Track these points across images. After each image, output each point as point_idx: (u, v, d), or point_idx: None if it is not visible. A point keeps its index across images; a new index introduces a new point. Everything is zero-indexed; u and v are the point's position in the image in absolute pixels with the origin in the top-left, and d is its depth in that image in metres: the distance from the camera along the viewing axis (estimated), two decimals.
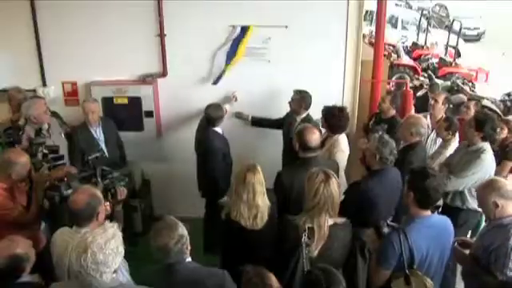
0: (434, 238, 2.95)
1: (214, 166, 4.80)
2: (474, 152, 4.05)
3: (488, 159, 4.00)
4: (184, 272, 2.62)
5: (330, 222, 2.98)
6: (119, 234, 2.35)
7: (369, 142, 3.80)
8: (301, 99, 4.84)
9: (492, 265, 2.96)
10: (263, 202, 3.26)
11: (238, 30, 5.16)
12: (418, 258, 2.88)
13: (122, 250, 2.32)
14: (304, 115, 4.87)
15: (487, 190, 3.06)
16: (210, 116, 4.72)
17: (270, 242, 3.16)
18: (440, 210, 3.97)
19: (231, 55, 5.23)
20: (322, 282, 2.28)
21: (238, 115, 5.49)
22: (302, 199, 3.14)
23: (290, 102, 4.93)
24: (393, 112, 5.18)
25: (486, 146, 4.03)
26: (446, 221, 3.09)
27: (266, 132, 5.49)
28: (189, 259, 2.68)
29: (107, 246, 2.22)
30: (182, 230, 2.62)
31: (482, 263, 3.03)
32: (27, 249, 2.81)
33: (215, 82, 5.34)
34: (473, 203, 4.05)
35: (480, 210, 3.98)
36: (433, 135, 4.83)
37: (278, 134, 5.26)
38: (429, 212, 2.98)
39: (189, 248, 2.65)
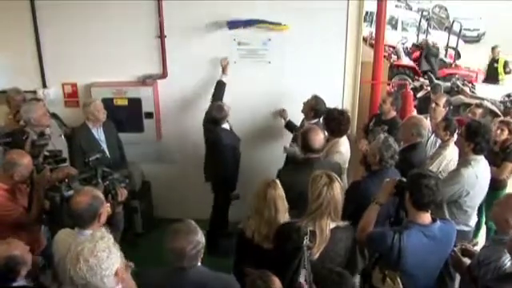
0: (433, 246, 2.90)
1: (226, 161, 4.95)
2: (458, 164, 3.90)
3: (468, 175, 3.74)
4: (194, 276, 2.61)
5: (332, 225, 2.98)
6: (108, 236, 2.33)
7: (369, 143, 3.81)
8: (313, 104, 4.80)
9: (479, 279, 2.90)
10: (285, 219, 3.11)
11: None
12: (409, 262, 2.85)
13: (114, 249, 2.29)
14: (313, 122, 4.79)
15: (503, 205, 2.98)
16: (215, 117, 4.83)
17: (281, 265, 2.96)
18: None
19: (254, 23, 5.10)
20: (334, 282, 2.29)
21: (281, 112, 5.41)
22: (302, 200, 3.11)
23: (304, 103, 4.89)
24: (393, 113, 5.18)
25: (475, 159, 3.79)
26: (449, 228, 3.02)
27: (272, 135, 5.52)
28: (199, 263, 2.67)
29: (97, 247, 2.20)
30: (201, 236, 2.59)
31: (473, 275, 2.98)
32: (24, 252, 2.80)
33: (231, 27, 5.13)
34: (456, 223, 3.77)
35: (467, 229, 3.95)
36: (433, 138, 4.81)
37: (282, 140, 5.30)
38: (428, 217, 2.91)
39: (201, 255, 2.63)
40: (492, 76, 11.28)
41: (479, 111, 5.61)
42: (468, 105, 7.82)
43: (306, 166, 3.67)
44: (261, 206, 3.09)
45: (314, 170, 3.51)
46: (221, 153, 4.93)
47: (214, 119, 4.87)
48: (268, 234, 3.07)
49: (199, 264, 2.66)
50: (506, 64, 11.30)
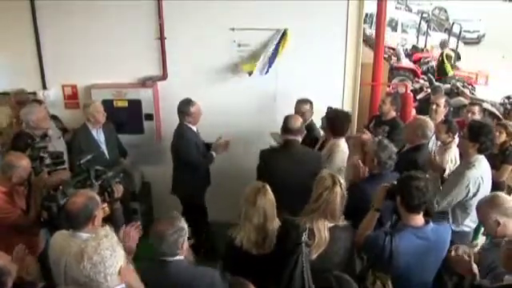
0: (427, 248, 2.89)
1: (191, 159, 4.81)
2: (461, 166, 3.88)
3: (472, 176, 3.72)
4: (175, 269, 2.64)
5: (331, 224, 2.99)
6: (112, 234, 2.35)
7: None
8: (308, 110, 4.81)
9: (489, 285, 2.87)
10: (273, 225, 3.08)
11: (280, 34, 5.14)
12: (401, 264, 2.85)
13: (118, 248, 2.30)
14: (307, 122, 4.81)
15: (488, 206, 2.95)
16: (179, 109, 4.75)
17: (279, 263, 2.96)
18: None
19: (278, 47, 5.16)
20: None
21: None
22: (288, 183, 3.50)
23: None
24: (393, 113, 5.17)
25: (479, 159, 3.76)
26: (443, 229, 3.02)
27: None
28: (181, 257, 2.68)
29: (101, 246, 2.22)
30: (184, 224, 2.66)
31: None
32: (7, 263, 2.72)
33: (266, 72, 5.20)
34: (456, 224, 3.87)
35: (467, 230, 3.96)
36: (434, 138, 4.82)
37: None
38: (421, 219, 2.91)
39: (184, 246, 2.67)
40: (441, 71, 11.38)
41: (476, 108, 5.54)
42: None
43: (285, 147, 4.07)
44: (250, 212, 3.04)
45: (291, 150, 4.04)
46: (185, 151, 4.76)
47: (178, 111, 4.74)
48: (257, 240, 3.04)
49: (182, 257, 2.67)
50: (448, 56, 11.47)
